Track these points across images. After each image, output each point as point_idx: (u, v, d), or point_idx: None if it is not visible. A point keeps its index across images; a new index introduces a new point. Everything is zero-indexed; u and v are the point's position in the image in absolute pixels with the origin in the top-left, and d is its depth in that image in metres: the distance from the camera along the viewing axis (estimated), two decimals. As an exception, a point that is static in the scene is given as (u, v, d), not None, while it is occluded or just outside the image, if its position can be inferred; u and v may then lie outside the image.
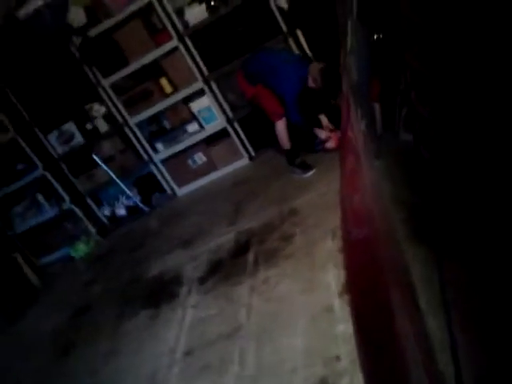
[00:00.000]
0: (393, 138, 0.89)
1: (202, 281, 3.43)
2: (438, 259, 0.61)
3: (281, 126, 3.98)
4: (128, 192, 5.08)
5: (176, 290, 3.50)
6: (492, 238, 0.51)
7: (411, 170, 0.76)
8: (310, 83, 3.84)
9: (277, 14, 4.30)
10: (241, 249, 3.50)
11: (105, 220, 5.26)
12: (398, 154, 0.87)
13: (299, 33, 4.54)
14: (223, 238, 3.74)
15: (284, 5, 4.37)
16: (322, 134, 4.03)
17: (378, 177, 0.97)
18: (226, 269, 3.40)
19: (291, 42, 4.41)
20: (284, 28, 4.34)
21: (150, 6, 4.45)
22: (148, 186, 5.19)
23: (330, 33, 3.85)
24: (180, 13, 4.53)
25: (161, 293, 3.57)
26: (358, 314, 1.14)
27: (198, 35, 4.54)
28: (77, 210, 5.13)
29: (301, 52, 4.43)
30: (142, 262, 4.12)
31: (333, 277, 2.73)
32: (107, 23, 4.51)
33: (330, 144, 3.98)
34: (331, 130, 4.01)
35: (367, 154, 1.12)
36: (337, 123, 3.91)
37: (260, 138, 4.73)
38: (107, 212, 5.23)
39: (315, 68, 3.81)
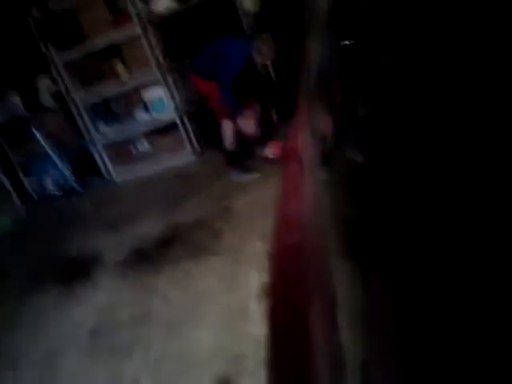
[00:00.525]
0: (341, 154, 0.93)
1: (121, 265, 3.33)
2: (365, 275, 0.63)
3: (226, 125, 3.93)
4: (62, 169, 4.89)
5: (92, 270, 3.38)
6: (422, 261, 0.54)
7: (355, 188, 0.79)
8: (256, 57, 3.77)
9: (242, 17, 4.32)
10: (167, 240, 3.42)
11: (34, 195, 5.05)
12: (345, 171, 0.89)
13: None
14: (152, 227, 3.65)
15: (250, 9, 4.41)
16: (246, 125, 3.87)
17: (321, 190, 0.99)
18: (148, 257, 3.32)
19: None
20: (248, 31, 4.36)
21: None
22: (85, 166, 5.03)
23: (294, 38, 3.95)
24: (146, -1, 4.48)
25: (76, 271, 3.43)
26: (274, 316, 1.13)
27: (161, 24, 4.50)
28: (5, 180, 4.90)
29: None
30: (63, 240, 3.97)
31: (254, 279, 2.72)
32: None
33: (270, 153, 3.96)
34: (255, 119, 3.91)
35: (312, 165, 1.15)
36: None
37: (208, 135, 4.70)
38: (37, 185, 5.01)
39: (261, 39, 3.76)
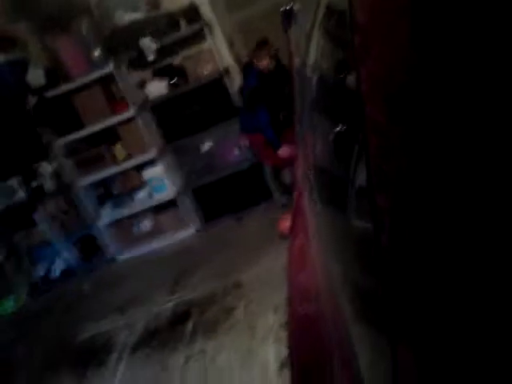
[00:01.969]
0: (345, 221, 0.93)
1: (135, 349, 3.34)
2: (392, 345, 0.59)
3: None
4: (66, 253, 4.93)
5: (106, 357, 3.37)
6: (447, 332, 0.51)
7: (366, 256, 0.75)
8: (259, 65, 4.09)
9: (233, 97, 4.58)
10: (179, 318, 3.46)
11: (38, 279, 5.04)
12: (352, 239, 0.90)
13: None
14: (162, 307, 3.69)
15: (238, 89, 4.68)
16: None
17: (329, 258, 1.00)
18: (162, 338, 3.34)
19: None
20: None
21: (111, 75, 4.60)
22: (88, 248, 5.07)
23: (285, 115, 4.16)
24: (141, 86, 4.72)
25: (89, 359, 3.42)
26: None
27: (157, 108, 4.72)
28: (9, 265, 4.91)
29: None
30: (72, 326, 3.95)
31: (272, 352, 2.75)
32: (66, 86, 4.59)
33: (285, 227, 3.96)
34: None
35: (318, 233, 1.19)
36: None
37: (210, 210, 4.83)
38: (42, 272, 5.02)
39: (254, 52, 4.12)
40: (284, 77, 3.96)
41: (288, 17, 1.39)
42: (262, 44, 4.11)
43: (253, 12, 4.96)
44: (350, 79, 0.80)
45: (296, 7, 1.32)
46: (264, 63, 4.08)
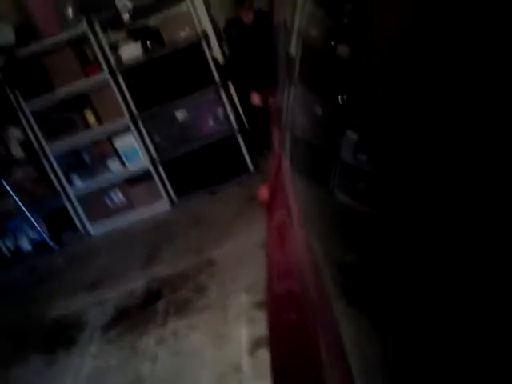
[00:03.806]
0: (329, 196, 0.93)
1: (106, 328, 3.27)
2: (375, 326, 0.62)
3: None
4: (36, 225, 4.78)
5: (76, 335, 3.30)
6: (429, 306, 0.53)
7: (348, 231, 0.79)
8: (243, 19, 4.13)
9: (211, 65, 4.38)
10: (151, 297, 3.39)
11: (6, 252, 4.90)
12: (334, 213, 0.90)
13: (230, 84, 4.68)
14: (134, 284, 3.61)
15: (220, 57, 4.49)
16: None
17: (310, 235, 0.98)
18: (134, 317, 3.27)
19: (222, 92, 4.48)
20: (217, 79, 4.42)
21: (83, 36, 4.36)
22: (59, 221, 4.92)
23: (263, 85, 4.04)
24: (114, 48, 4.48)
25: (58, 337, 3.34)
26: (279, 369, 1.12)
27: (131, 73, 4.50)
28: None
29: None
30: (41, 302, 3.85)
31: (245, 333, 2.72)
32: (36, 46, 4.35)
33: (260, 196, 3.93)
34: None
35: (300, 209, 1.14)
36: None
37: (184, 183, 4.70)
38: (10, 244, 4.87)
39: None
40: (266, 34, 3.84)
41: None
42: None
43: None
44: (341, 49, 0.83)
45: None
46: (247, 17, 4.04)
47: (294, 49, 1.31)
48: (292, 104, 1.39)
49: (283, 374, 1.05)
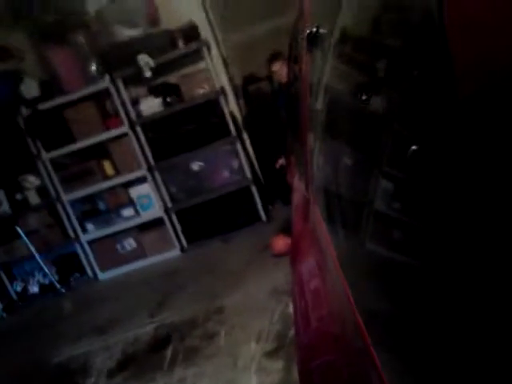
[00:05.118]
0: (362, 245, 0.93)
1: (112, 374, 3.19)
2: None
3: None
4: (45, 269, 4.78)
5: (82, 381, 3.22)
6: None
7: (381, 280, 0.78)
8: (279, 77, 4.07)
9: (228, 118, 4.53)
10: (159, 343, 3.33)
11: (14, 296, 4.87)
12: (368, 263, 0.90)
13: (245, 136, 4.82)
14: (142, 330, 3.55)
15: (235, 112, 4.65)
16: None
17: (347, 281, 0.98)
18: (141, 363, 3.20)
19: (238, 144, 4.60)
20: (233, 131, 4.55)
21: (106, 91, 4.56)
22: (68, 265, 4.93)
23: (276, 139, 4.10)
24: (135, 102, 4.67)
25: (64, 382, 3.27)
26: None
27: (150, 125, 4.66)
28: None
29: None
30: (48, 346, 3.78)
31: (254, 382, 2.64)
32: (59, 100, 4.54)
33: (276, 249, 3.85)
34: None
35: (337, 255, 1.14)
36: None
37: (196, 231, 4.73)
38: (19, 288, 4.86)
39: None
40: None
41: (312, 41, 1.37)
42: (278, 55, 4.09)
43: (248, 35, 4.98)
44: (374, 102, 0.87)
45: (322, 30, 1.30)
46: (279, 75, 4.08)
47: (320, 103, 1.36)
48: (321, 156, 1.44)
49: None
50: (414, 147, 0.66)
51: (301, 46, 1.68)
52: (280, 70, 4.04)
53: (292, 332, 2.86)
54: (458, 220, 0.58)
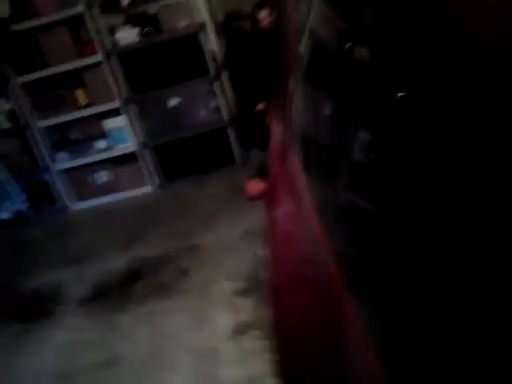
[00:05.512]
0: (337, 192, 0.96)
1: (84, 302, 3.30)
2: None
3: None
4: (16, 195, 4.74)
5: (52, 307, 3.32)
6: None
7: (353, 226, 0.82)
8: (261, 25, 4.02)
9: (207, 56, 4.44)
10: (131, 276, 3.42)
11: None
12: (342, 209, 0.92)
13: (225, 77, 4.75)
14: (114, 263, 3.63)
15: (215, 49, 4.55)
16: None
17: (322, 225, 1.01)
18: (111, 295, 3.30)
19: (216, 84, 4.54)
20: (212, 71, 4.48)
21: (80, 16, 4.37)
22: (39, 194, 4.89)
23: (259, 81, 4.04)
24: (111, 31, 4.50)
25: (34, 308, 3.36)
26: (290, 351, 1.14)
27: (126, 57, 4.52)
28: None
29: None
30: (18, 273, 3.84)
31: (222, 319, 2.76)
32: (32, 22, 4.33)
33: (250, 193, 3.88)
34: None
35: (312, 199, 1.17)
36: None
37: (171, 169, 4.74)
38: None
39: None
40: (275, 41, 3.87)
41: None
42: (264, 1, 3.99)
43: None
44: (359, 51, 0.84)
45: None
46: (265, 22, 3.99)
47: (304, 48, 1.34)
48: (301, 102, 1.43)
49: (297, 357, 1.07)
50: (401, 93, 0.66)
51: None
52: (266, 17, 3.97)
53: (262, 273, 3.00)
54: (437, 173, 0.58)
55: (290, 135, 1.56)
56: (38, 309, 3.34)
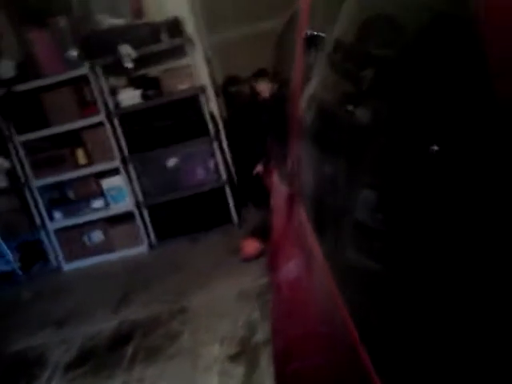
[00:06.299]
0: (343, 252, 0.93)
1: (69, 368, 3.13)
2: None
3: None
4: (8, 255, 4.65)
5: (37, 373, 3.14)
6: None
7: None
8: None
9: (207, 117, 4.50)
10: (120, 340, 3.28)
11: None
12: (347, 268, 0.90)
13: (224, 137, 4.80)
14: (103, 325, 3.49)
15: (215, 112, 4.62)
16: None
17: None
18: (99, 359, 3.14)
19: (215, 144, 4.57)
20: (212, 131, 4.53)
21: (84, 78, 4.47)
22: (32, 253, 4.81)
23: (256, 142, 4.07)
24: (113, 92, 4.59)
25: (18, 374, 3.18)
26: None
27: (127, 117, 4.59)
28: None
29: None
30: (4, 335, 3.68)
31: (215, 384, 2.63)
32: (36, 83, 4.43)
33: (246, 253, 3.77)
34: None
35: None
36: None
37: (166, 228, 4.68)
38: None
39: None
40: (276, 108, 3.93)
41: (310, 43, 1.34)
42: (263, 72, 4.07)
43: (231, 35, 4.96)
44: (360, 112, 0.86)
45: (321, 34, 1.27)
46: (264, 94, 4.09)
47: (308, 111, 1.36)
48: (308, 161, 1.43)
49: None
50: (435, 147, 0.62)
51: (295, 48, 1.66)
52: (265, 90, 4.05)
53: (257, 337, 2.87)
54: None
55: (298, 193, 1.53)
56: (23, 374, 3.17)
